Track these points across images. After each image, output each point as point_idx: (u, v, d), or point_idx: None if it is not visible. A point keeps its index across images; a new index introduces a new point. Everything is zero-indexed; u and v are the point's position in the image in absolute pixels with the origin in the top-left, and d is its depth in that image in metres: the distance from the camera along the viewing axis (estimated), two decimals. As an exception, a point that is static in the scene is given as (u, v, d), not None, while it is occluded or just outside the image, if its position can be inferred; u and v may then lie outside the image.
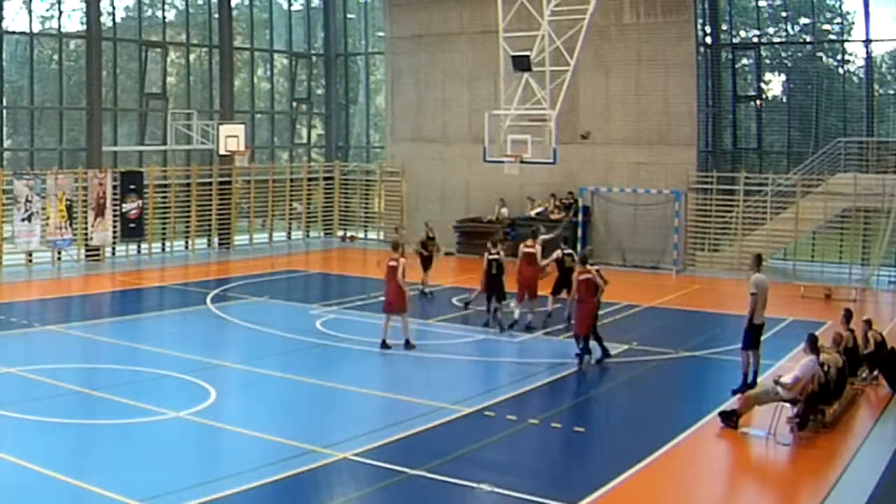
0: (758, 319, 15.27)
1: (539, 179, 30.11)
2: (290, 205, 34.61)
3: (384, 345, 17.20)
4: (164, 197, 30.02)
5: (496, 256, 19.46)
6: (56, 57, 29.07)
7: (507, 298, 19.63)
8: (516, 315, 19.31)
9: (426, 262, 23.50)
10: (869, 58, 29.13)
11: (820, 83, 29.49)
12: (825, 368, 13.40)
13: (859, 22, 28.95)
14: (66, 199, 26.88)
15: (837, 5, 30.15)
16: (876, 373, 15.61)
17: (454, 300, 22.44)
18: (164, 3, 31.71)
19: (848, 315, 15.82)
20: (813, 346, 13.46)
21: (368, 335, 17.50)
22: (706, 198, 29.33)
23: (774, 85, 31.68)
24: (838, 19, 29.97)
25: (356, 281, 25.78)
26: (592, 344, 16.71)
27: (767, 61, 31.18)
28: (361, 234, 35.75)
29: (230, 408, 13.99)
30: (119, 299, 23.62)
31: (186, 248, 31.13)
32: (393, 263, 17.47)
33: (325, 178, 35.78)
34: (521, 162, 24.63)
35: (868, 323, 15.87)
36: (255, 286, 24.53)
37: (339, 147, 37.31)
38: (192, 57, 32.65)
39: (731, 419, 13.21)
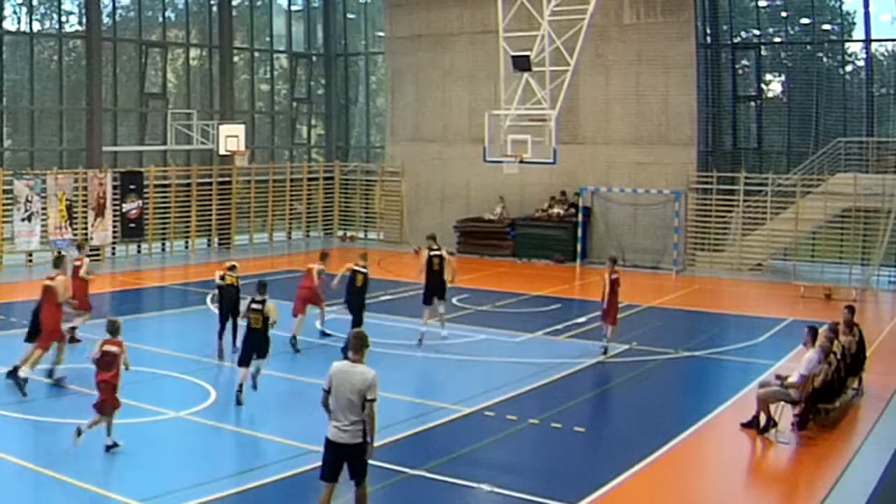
0: None
1: (539, 179, 30.15)
2: (290, 205, 34.61)
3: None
4: (164, 197, 30.02)
5: (363, 270, 17.79)
6: (56, 57, 29.07)
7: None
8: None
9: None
10: (869, 58, 29.13)
11: (820, 83, 29.48)
12: (839, 354, 13.41)
13: (859, 22, 28.99)
14: (66, 199, 26.88)
15: (837, 5, 30.15)
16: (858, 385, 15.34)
17: (454, 300, 22.43)
18: (164, 3, 31.72)
19: (851, 311, 15.64)
20: (814, 339, 13.46)
21: (368, 335, 17.46)
22: (706, 198, 29.34)
23: (774, 85, 31.68)
24: (838, 19, 29.97)
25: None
26: None
27: (767, 61, 31.18)
28: (361, 234, 35.76)
29: (230, 408, 13.97)
30: (119, 299, 23.59)
31: (186, 248, 31.13)
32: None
33: (325, 178, 35.78)
34: (521, 162, 24.64)
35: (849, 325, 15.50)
36: (255, 286, 24.45)
37: (339, 147, 37.32)
38: (192, 57, 32.67)
39: (753, 426, 13.14)
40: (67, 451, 11.32)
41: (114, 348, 11.89)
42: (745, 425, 13.24)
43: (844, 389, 14.17)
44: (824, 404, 13.29)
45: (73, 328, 16.69)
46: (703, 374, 17.07)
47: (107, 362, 11.82)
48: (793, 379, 13.11)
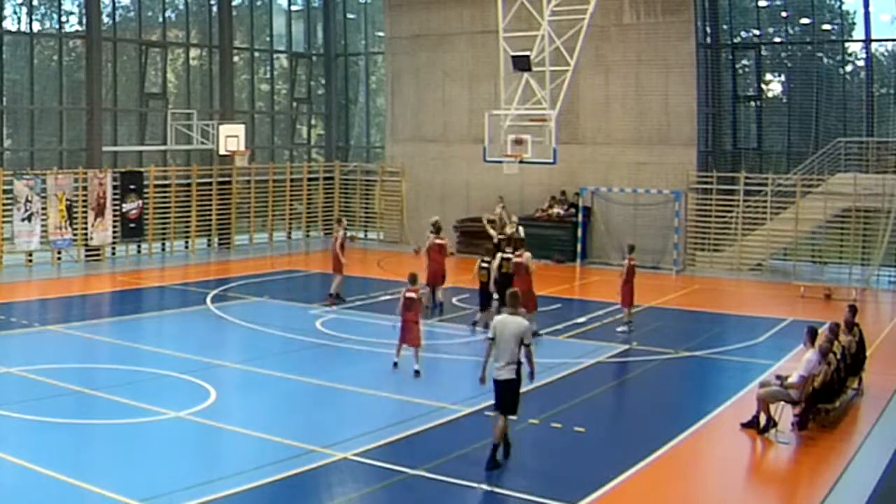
0: None
1: (539, 179, 30.16)
2: (290, 205, 34.61)
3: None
4: (164, 197, 30.01)
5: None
6: (56, 57, 29.08)
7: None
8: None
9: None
10: (869, 58, 29.13)
11: (820, 83, 29.46)
12: (839, 354, 13.38)
13: (859, 22, 28.98)
14: (66, 199, 26.87)
15: (837, 5, 30.14)
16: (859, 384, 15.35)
17: (454, 300, 22.44)
18: (164, 3, 31.72)
19: (853, 311, 15.63)
20: (813, 339, 13.45)
21: (368, 335, 17.49)
22: (706, 198, 29.33)
23: (774, 85, 31.67)
24: (838, 19, 29.96)
25: (356, 281, 25.71)
26: None
27: (767, 61, 31.17)
28: (361, 234, 35.74)
29: (230, 408, 13.98)
30: (119, 299, 23.60)
31: (186, 248, 31.13)
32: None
33: (325, 178, 35.78)
34: (521, 162, 24.63)
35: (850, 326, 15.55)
36: (255, 286, 24.52)
37: (339, 147, 37.32)
38: (192, 57, 32.66)
39: (753, 426, 13.14)
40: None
41: (413, 294, 15.74)
42: (745, 425, 13.24)
43: (844, 389, 14.17)
44: (824, 404, 13.28)
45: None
46: (703, 374, 17.07)
47: (408, 305, 15.65)
48: (792, 380, 13.10)
